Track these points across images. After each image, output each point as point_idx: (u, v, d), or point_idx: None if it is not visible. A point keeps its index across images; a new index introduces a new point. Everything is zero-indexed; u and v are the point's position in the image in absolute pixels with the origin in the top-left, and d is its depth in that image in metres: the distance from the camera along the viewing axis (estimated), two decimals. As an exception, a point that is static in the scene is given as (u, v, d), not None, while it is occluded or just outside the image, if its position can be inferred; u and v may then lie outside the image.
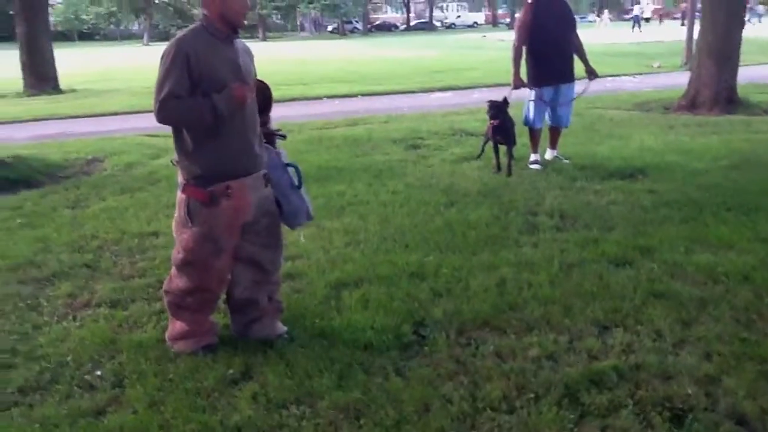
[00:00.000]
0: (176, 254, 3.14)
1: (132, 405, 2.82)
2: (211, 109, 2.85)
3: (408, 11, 72.96)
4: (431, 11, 71.78)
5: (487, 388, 2.83)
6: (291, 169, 3.31)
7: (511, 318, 3.47)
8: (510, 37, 6.20)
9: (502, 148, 6.67)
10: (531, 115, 6.85)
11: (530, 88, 6.77)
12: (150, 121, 9.83)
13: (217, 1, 2.88)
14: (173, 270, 3.19)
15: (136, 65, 26.00)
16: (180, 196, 3.04)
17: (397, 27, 69.94)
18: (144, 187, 6.65)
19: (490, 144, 6.83)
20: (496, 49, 28.87)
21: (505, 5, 71.57)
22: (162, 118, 2.91)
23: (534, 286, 3.82)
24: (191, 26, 2.99)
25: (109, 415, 2.77)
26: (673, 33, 32.89)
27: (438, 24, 71.60)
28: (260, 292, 3.28)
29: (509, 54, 6.86)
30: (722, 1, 9.93)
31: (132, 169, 7.64)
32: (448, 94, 14.56)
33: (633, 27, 41.55)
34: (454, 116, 10.65)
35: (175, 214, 3.10)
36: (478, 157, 7.23)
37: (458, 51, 30.13)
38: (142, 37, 53.04)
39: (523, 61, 6.76)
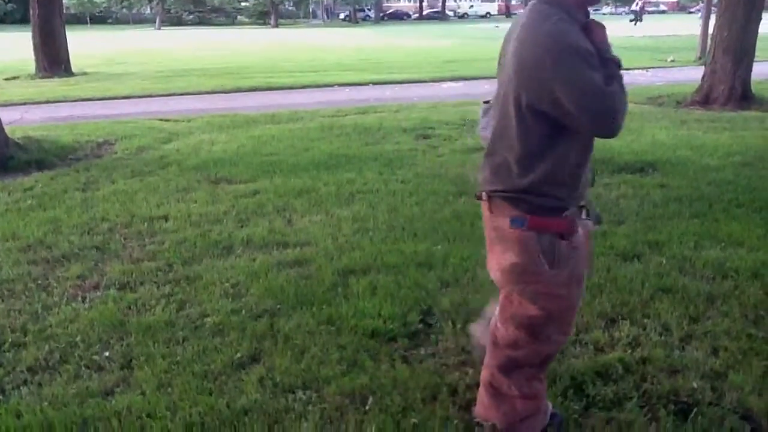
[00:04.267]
0: (521, 313, 2.24)
1: (140, 386, 2.84)
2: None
3: (421, 0, 72.66)
4: (444, 1, 71.49)
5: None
6: None
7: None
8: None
9: None
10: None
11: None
12: (161, 105, 9.86)
13: None
14: (518, 335, 2.28)
15: (147, 49, 26.05)
16: (519, 234, 2.15)
17: (409, 16, 69.71)
18: (154, 171, 6.67)
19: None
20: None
21: (518, -4, 71.12)
22: (619, 124, 1.97)
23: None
24: (549, 15, 2.00)
25: (117, 395, 2.79)
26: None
27: (450, 14, 71.31)
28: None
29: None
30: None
31: (142, 152, 7.66)
32: (460, 84, 14.52)
33: None
34: (465, 106, 10.61)
35: (502, 262, 2.22)
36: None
37: (470, 41, 30.00)
38: (154, 22, 53.05)
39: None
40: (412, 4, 75.78)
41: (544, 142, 2.06)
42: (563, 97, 1.94)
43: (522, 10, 2.31)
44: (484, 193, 2.22)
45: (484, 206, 2.26)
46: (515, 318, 2.26)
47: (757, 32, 10.03)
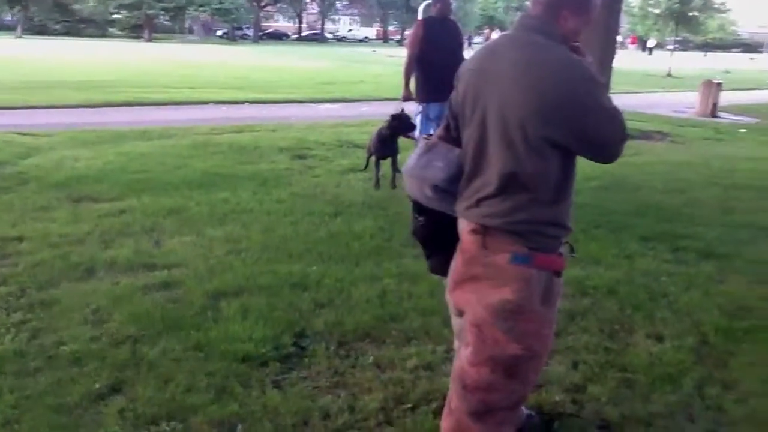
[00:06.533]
0: (500, 354, 2.12)
1: (-18, 424, 2.60)
2: None
3: (300, 21, 72.87)
4: (323, 23, 72.12)
5: (365, 400, 2.83)
6: None
7: (391, 329, 3.49)
8: (399, 53, 6.33)
9: (385, 164, 6.73)
10: (416, 127, 6.97)
11: (418, 103, 6.91)
12: (20, 118, 9.12)
13: None
14: (493, 378, 2.15)
15: (6, 58, 24.35)
16: (520, 271, 2.07)
17: (288, 36, 69.62)
18: (11, 187, 6.19)
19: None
20: (385, 64, 29.33)
21: (396, 22, 72.99)
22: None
23: (415, 296, 3.87)
24: (552, 47, 2.07)
25: (-44, 435, 2.54)
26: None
27: (329, 36, 71.96)
28: None
29: (400, 69, 6.98)
30: (598, 31, 10.55)
31: (-4, 168, 7.10)
32: (337, 105, 14.61)
33: None
34: (342, 128, 10.69)
35: (490, 299, 2.10)
36: (364, 168, 7.28)
37: (349, 64, 30.36)
38: (14, 29, 49.77)
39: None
40: (291, 24, 75.79)
41: (554, 176, 2.05)
42: (593, 128, 2.00)
43: (497, 39, 2.21)
44: (479, 226, 2.09)
45: (474, 240, 2.11)
46: (493, 359, 2.12)
47: (611, 69, 10.80)
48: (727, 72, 31.51)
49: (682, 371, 3.19)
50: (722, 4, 39.75)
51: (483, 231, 2.09)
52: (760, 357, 3.37)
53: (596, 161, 2.12)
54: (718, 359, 3.33)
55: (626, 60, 31.54)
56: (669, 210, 6.11)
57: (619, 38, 12.26)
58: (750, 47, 76.67)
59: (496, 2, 69.44)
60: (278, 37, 68.12)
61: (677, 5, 35.29)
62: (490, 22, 68.46)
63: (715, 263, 4.70)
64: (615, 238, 5.14)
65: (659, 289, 4.19)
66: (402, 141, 6.92)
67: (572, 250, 2.33)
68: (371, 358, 3.19)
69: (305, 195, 6.23)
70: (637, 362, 3.26)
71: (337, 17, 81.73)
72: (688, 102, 15.62)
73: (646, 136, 10.90)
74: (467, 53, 2.35)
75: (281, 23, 77.67)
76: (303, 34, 70.55)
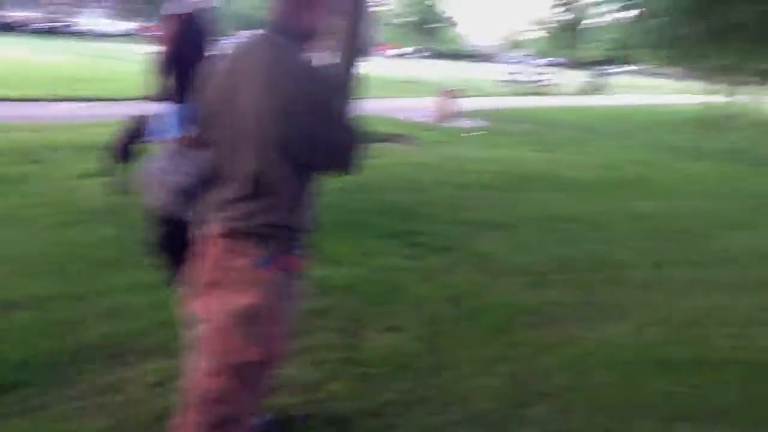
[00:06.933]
0: (241, 360, 2.09)
1: None
2: None
3: (43, 12, 66.21)
4: (70, 15, 66.38)
5: (90, 427, 2.65)
6: None
7: (126, 345, 3.31)
8: (151, 50, 6.04)
9: (124, 169, 6.38)
10: (165, 129, 6.70)
11: (169, 103, 6.63)
12: None
13: None
14: (231, 385, 2.10)
15: None
16: (263, 275, 2.07)
17: (27, 26, 62.91)
18: None
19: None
20: (136, 61, 27.79)
21: (147, 17, 69.62)
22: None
23: (151, 309, 3.69)
24: (292, 50, 2.12)
25: None
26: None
27: (78, 30, 66.45)
28: None
29: (151, 67, 6.65)
30: (345, 37, 10.98)
31: None
32: (81, 104, 13.51)
33: None
34: (83, 129, 9.88)
35: (233, 304, 2.06)
36: (102, 173, 6.81)
37: (96, 60, 28.25)
38: None
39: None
40: (32, 14, 68.57)
41: (295, 180, 2.05)
42: (326, 135, 2.01)
43: (247, 40, 2.15)
44: (224, 230, 2.05)
45: (219, 244, 2.07)
46: (231, 367, 2.09)
47: (358, 75, 11.30)
48: (463, 80, 34.61)
49: (415, 360, 3.43)
50: (450, 17, 44.06)
51: (228, 235, 2.07)
52: (474, 337, 3.76)
53: (331, 172, 2.15)
54: (445, 345, 3.65)
55: (374, 67, 33.22)
56: (407, 209, 6.55)
57: (369, 46, 12.88)
58: (484, 58, 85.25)
59: (253, 1, 69.33)
60: (14, 27, 61.19)
61: (419, 16, 38.26)
62: (248, 21, 68.22)
63: (444, 257, 5.13)
64: (356, 237, 5.37)
65: (396, 284, 4.47)
66: (144, 144, 6.60)
67: (313, 251, 2.39)
68: (102, 379, 2.99)
69: (38, 203, 5.68)
70: (375, 356, 3.43)
71: (87, 10, 75.78)
72: (428, 107, 16.84)
73: (388, 138, 11.56)
74: (220, 53, 2.27)
75: (20, 13, 69.90)
76: (46, 25, 64.15)
